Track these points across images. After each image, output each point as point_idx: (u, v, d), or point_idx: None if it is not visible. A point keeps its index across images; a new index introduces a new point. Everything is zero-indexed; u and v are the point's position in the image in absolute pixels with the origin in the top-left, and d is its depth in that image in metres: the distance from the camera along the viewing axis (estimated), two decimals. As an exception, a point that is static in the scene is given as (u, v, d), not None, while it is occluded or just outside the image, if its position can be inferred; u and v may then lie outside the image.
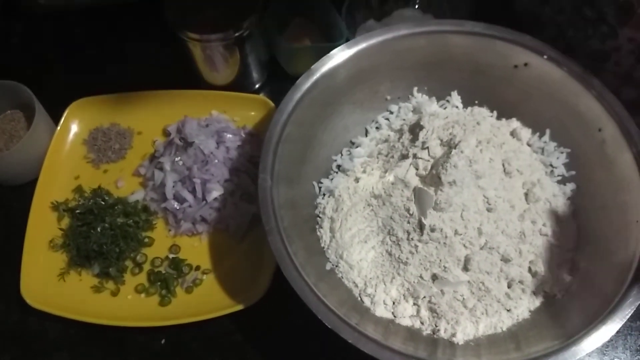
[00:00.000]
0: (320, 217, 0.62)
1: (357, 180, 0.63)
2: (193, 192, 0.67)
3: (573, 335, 0.49)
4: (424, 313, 0.55)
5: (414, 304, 0.56)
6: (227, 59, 0.72)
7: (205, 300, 0.63)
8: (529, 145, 0.65)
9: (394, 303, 0.56)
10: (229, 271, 0.65)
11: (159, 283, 0.64)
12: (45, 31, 0.87)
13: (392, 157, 0.63)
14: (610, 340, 0.59)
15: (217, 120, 0.73)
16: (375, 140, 0.67)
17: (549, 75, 0.62)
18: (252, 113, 0.74)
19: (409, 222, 0.56)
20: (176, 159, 0.69)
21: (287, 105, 0.59)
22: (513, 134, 0.64)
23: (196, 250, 0.67)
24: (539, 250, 0.57)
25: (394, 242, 0.57)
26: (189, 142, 0.69)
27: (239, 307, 0.61)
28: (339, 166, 0.66)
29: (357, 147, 0.67)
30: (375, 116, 0.69)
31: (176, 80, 0.76)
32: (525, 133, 0.64)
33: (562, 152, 0.64)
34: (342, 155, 0.66)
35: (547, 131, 0.64)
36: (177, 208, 0.67)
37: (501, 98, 0.66)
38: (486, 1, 0.75)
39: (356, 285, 0.57)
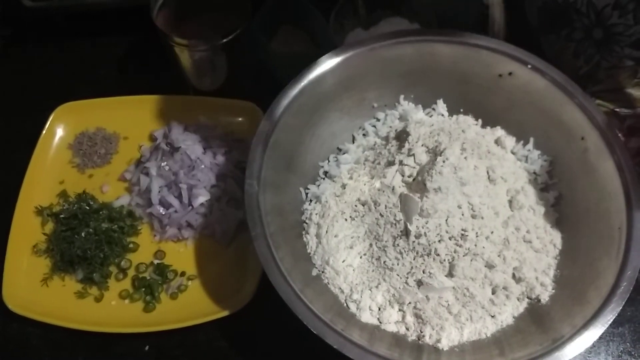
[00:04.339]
0: (306, 223, 0.62)
1: (343, 186, 0.63)
2: (179, 197, 0.67)
3: (556, 340, 0.50)
4: (409, 319, 0.55)
5: (400, 309, 0.56)
6: (215, 65, 0.72)
7: (191, 306, 0.63)
8: (513, 153, 0.65)
9: (379, 309, 0.56)
10: (214, 277, 0.65)
11: (143, 289, 0.64)
12: (31, 36, 0.86)
13: (379, 163, 0.63)
14: (593, 346, 0.60)
15: (204, 126, 0.73)
16: (362, 147, 0.67)
17: (533, 84, 0.63)
18: (240, 119, 0.74)
19: (394, 228, 0.57)
20: (162, 164, 0.69)
21: (274, 111, 0.60)
22: (497, 142, 0.65)
23: (182, 256, 0.66)
24: (523, 257, 0.58)
25: (380, 248, 0.57)
26: (176, 147, 0.69)
27: (225, 313, 0.60)
28: (325, 172, 0.66)
29: (344, 153, 0.67)
30: (362, 123, 0.69)
31: (164, 85, 0.76)
32: (510, 141, 0.65)
33: (545, 160, 0.64)
34: (328, 161, 0.66)
35: (531, 139, 0.65)
36: (163, 213, 0.67)
37: (486, 106, 0.67)
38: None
39: (342, 291, 0.57)
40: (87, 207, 0.68)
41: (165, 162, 0.69)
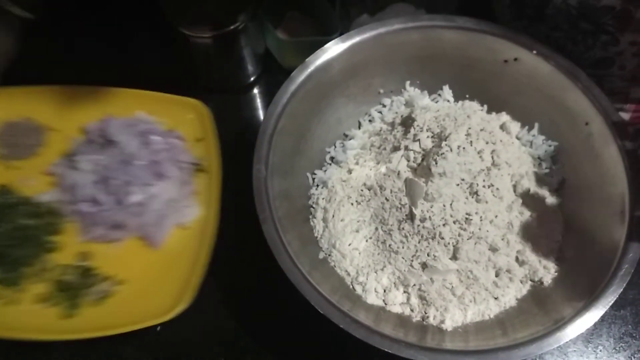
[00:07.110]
0: (313, 208, 0.63)
1: (350, 171, 0.64)
2: (110, 194, 0.62)
3: (558, 321, 0.51)
4: (414, 300, 0.57)
5: (404, 291, 0.57)
6: (221, 53, 0.72)
7: (117, 313, 0.57)
8: (517, 138, 0.66)
9: (384, 291, 0.57)
10: (145, 281, 0.60)
11: (63, 292, 0.58)
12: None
13: (385, 149, 0.64)
14: (595, 328, 0.61)
15: (143, 121, 0.67)
16: (368, 132, 0.68)
17: (538, 70, 0.63)
18: (188, 116, 0.68)
19: (400, 212, 0.58)
20: (94, 158, 0.64)
21: (281, 97, 0.60)
22: (502, 127, 0.65)
23: (110, 258, 0.61)
24: (526, 240, 0.59)
25: (385, 231, 0.58)
26: (110, 141, 0.65)
27: (155, 321, 0.55)
28: (332, 158, 0.67)
29: (350, 139, 0.68)
30: (368, 109, 0.70)
31: (168, 76, 0.72)
32: (515, 126, 0.66)
33: (550, 146, 0.65)
34: (335, 147, 0.67)
35: (536, 125, 0.66)
36: (92, 211, 0.62)
37: (491, 92, 0.67)
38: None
39: (348, 274, 0.58)
40: (4, 202, 0.62)
41: (98, 157, 0.64)
